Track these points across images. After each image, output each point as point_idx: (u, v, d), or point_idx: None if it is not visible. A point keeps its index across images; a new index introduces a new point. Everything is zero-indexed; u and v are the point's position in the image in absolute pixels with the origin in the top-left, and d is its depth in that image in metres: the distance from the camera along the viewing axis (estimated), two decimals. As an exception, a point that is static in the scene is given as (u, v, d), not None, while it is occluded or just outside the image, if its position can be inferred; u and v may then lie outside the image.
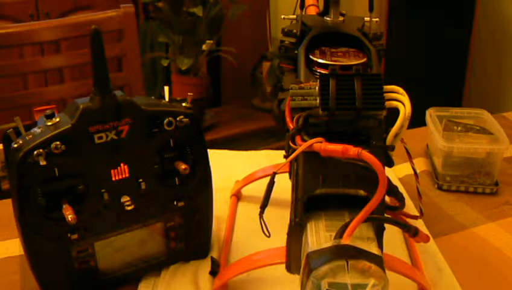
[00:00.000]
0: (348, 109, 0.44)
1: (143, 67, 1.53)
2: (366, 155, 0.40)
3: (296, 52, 0.56)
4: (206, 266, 0.57)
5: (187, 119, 0.52)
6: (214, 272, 0.56)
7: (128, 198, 0.51)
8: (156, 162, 0.52)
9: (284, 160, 0.49)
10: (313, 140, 0.43)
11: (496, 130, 0.77)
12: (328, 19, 0.58)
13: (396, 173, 0.77)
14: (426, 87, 2.04)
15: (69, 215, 0.47)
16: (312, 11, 0.64)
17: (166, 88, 0.56)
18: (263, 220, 0.46)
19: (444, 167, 0.76)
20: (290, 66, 0.58)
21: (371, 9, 0.56)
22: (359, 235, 0.41)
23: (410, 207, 0.67)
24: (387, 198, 0.55)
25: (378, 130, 0.46)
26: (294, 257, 0.46)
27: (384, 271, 0.38)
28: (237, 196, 0.72)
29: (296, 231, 0.45)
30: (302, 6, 0.62)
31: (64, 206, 0.48)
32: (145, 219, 0.54)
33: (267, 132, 2.12)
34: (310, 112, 0.46)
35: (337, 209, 0.45)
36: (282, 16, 0.61)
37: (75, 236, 0.50)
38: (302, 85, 0.46)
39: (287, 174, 0.56)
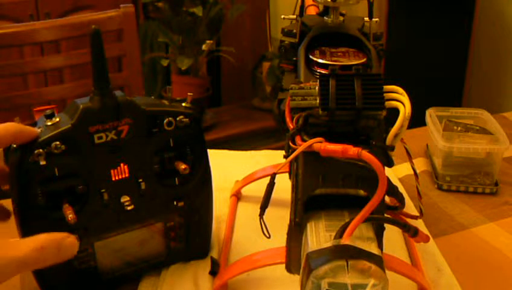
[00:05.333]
0: (348, 109, 0.44)
1: (143, 67, 1.53)
2: (366, 155, 0.40)
3: (296, 52, 0.56)
4: (206, 266, 0.57)
5: (187, 119, 0.52)
6: (213, 272, 0.56)
7: (128, 198, 0.51)
8: (156, 162, 0.52)
9: (284, 160, 0.49)
10: (313, 140, 0.43)
11: (496, 130, 0.77)
12: (328, 19, 0.59)
13: (396, 173, 0.77)
14: (426, 87, 2.04)
15: (69, 215, 0.47)
16: (312, 11, 0.64)
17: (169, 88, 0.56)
18: (263, 221, 0.46)
19: (444, 167, 0.76)
20: (290, 66, 0.58)
21: (370, 16, 0.57)
22: (359, 235, 0.41)
23: (410, 207, 0.67)
24: (387, 198, 0.55)
25: (378, 130, 0.46)
26: (294, 257, 0.46)
27: (384, 271, 0.38)
28: (237, 196, 0.72)
29: (296, 231, 0.45)
30: (302, 14, 0.62)
31: (64, 206, 0.48)
32: (145, 219, 0.54)
33: (267, 132, 2.12)
34: (310, 112, 0.46)
35: (337, 209, 0.45)
36: (282, 16, 0.61)
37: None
38: (302, 85, 0.46)
39: (287, 174, 0.56)
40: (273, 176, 0.46)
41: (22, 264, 0.40)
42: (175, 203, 0.54)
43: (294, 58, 0.56)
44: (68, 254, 0.43)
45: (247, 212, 0.69)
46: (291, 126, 0.46)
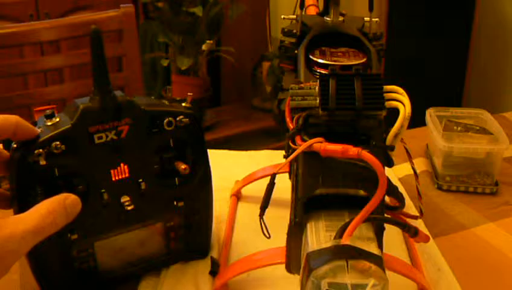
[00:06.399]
0: (347, 109, 0.44)
1: (143, 67, 1.53)
2: (366, 155, 0.40)
3: (296, 52, 0.56)
4: (206, 266, 0.57)
5: (187, 119, 0.52)
6: (214, 272, 0.56)
7: (128, 198, 0.51)
8: (156, 162, 0.52)
9: (284, 160, 0.49)
10: (313, 140, 0.43)
11: (496, 130, 0.77)
12: (328, 19, 0.59)
13: (396, 173, 0.77)
14: (426, 87, 2.04)
15: None
16: (312, 11, 0.64)
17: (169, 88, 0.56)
18: (263, 221, 0.46)
19: (444, 167, 0.76)
20: (290, 66, 0.58)
21: (371, 8, 0.56)
22: (359, 235, 0.41)
23: (410, 207, 0.67)
24: (387, 198, 0.55)
25: (378, 130, 0.46)
26: (294, 257, 0.46)
27: (384, 271, 0.38)
28: (237, 196, 0.72)
29: (296, 231, 0.45)
30: (302, 6, 0.62)
31: None
32: (145, 219, 0.54)
33: (267, 132, 2.12)
34: (310, 112, 0.46)
35: (337, 209, 0.45)
36: (282, 16, 0.61)
37: (75, 236, 0.50)
38: (302, 85, 0.46)
39: (287, 174, 0.56)
40: (273, 176, 0.47)
41: (37, 233, 0.41)
42: (175, 203, 0.54)
43: (295, 58, 0.56)
44: (75, 212, 0.44)
45: (247, 212, 0.69)
46: (291, 126, 0.46)
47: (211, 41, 2.01)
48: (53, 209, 0.42)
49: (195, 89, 2.03)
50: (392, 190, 0.51)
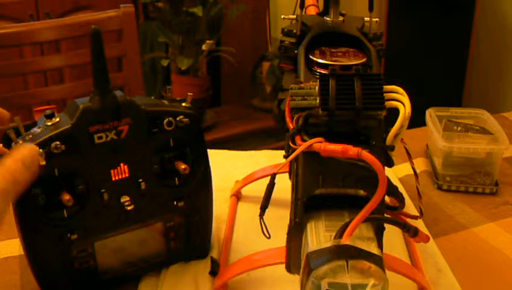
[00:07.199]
0: (347, 109, 0.44)
1: (143, 67, 1.53)
2: (366, 155, 0.40)
3: (296, 52, 0.56)
4: (206, 266, 0.57)
5: (187, 119, 0.52)
6: (213, 272, 0.56)
7: (128, 198, 0.51)
8: (156, 162, 0.52)
9: (284, 160, 0.49)
10: (313, 140, 0.43)
11: (496, 130, 0.77)
12: (328, 19, 0.59)
13: (396, 173, 0.77)
14: (426, 87, 2.04)
15: (66, 198, 0.47)
16: (312, 11, 0.64)
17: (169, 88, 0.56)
18: (263, 221, 0.46)
19: (444, 167, 0.76)
20: (290, 66, 0.58)
21: (371, 9, 0.56)
22: (359, 235, 0.41)
23: (410, 207, 0.67)
24: (387, 198, 0.55)
25: (378, 130, 0.46)
26: (294, 257, 0.46)
27: (384, 271, 0.38)
28: (237, 196, 0.72)
29: (296, 231, 0.45)
30: (302, 6, 0.62)
31: (63, 193, 0.48)
32: (145, 218, 0.54)
33: (267, 132, 2.12)
34: (310, 112, 0.46)
35: (337, 209, 0.45)
36: (282, 16, 0.61)
37: (75, 236, 0.50)
38: (302, 85, 0.46)
39: (287, 174, 0.56)
40: (273, 176, 0.47)
41: (3, 195, 0.40)
42: (175, 203, 0.54)
43: (295, 58, 0.56)
44: (34, 161, 0.43)
45: (247, 212, 0.69)
46: (291, 126, 0.46)
47: (211, 41, 2.01)
48: (9, 168, 0.42)
49: (195, 89, 2.03)
50: (392, 190, 0.51)
